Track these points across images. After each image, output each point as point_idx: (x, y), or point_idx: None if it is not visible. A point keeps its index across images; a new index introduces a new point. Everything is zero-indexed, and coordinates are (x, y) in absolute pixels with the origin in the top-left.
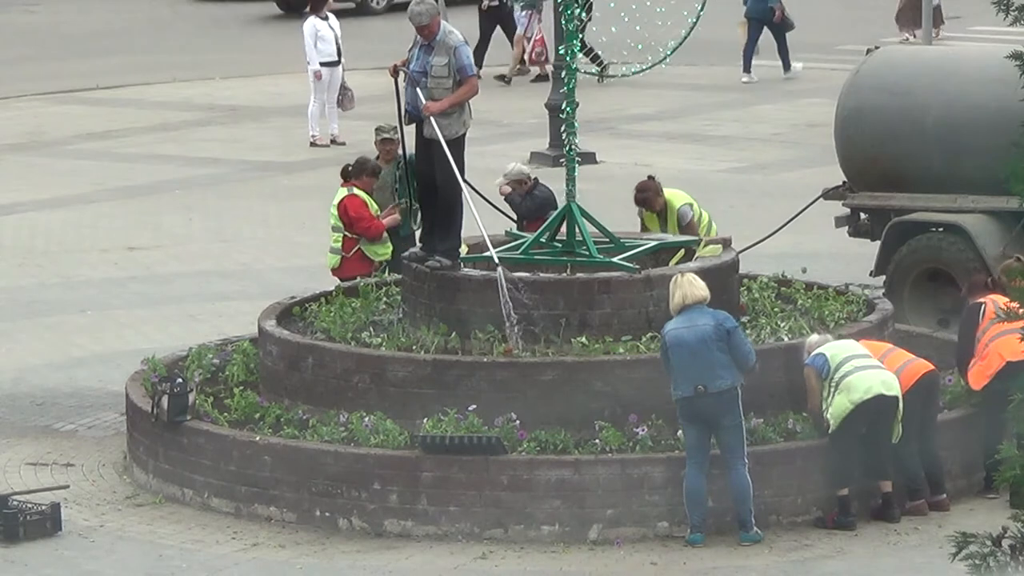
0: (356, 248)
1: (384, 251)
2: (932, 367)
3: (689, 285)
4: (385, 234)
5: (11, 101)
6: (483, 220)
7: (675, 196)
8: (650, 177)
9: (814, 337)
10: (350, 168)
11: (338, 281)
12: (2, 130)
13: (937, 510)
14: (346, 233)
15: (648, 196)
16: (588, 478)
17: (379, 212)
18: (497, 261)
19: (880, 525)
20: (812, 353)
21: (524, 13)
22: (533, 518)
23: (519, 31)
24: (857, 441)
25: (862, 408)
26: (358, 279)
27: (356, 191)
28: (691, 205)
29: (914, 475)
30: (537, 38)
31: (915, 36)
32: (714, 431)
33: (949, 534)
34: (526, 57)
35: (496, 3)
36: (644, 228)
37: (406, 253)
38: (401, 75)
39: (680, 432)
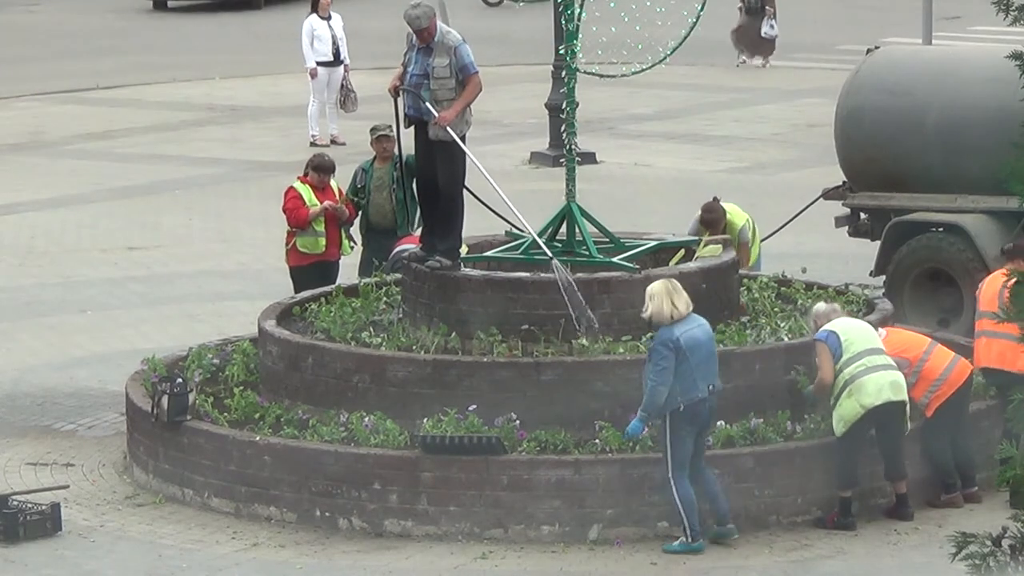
0: (293, 241)
1: (314, 245)
2: (972, 365)
3: (682, 290)
4: (320, 228)
5: (11, 101)
6: (482, 221)
7: (736, 215)
8: (715, 199)
9: (821, 306)
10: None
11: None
12: (2, 130)
13: (971, 502)
14: (288, 227)
15: (716, 217)
16: (588, 478)
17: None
18: (557, 265)
19: (880, 525)
20: (823, 328)
21: None
22: (533, 518)
23: None
24: (864, 444)
25: (872, 413)
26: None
27: (295, 184)
28: (748, 222)
29: (947, 469)
30: None
31: (753, 59)
32: (700, 435)
33: (949, 534)
34: None
35: None
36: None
37: (406, 253)
38: (401, 95)
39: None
